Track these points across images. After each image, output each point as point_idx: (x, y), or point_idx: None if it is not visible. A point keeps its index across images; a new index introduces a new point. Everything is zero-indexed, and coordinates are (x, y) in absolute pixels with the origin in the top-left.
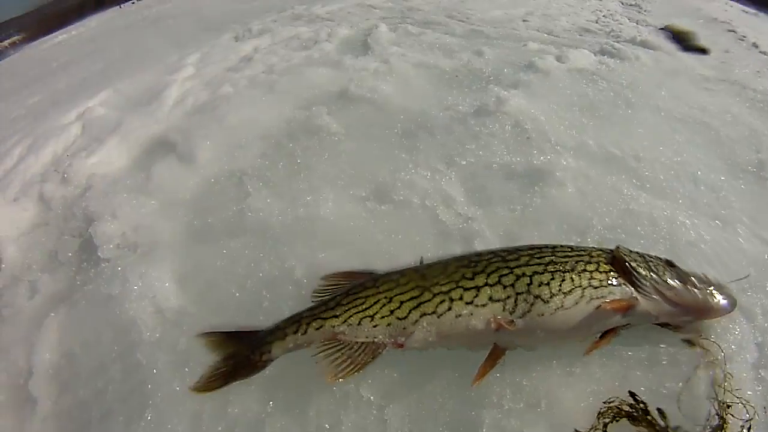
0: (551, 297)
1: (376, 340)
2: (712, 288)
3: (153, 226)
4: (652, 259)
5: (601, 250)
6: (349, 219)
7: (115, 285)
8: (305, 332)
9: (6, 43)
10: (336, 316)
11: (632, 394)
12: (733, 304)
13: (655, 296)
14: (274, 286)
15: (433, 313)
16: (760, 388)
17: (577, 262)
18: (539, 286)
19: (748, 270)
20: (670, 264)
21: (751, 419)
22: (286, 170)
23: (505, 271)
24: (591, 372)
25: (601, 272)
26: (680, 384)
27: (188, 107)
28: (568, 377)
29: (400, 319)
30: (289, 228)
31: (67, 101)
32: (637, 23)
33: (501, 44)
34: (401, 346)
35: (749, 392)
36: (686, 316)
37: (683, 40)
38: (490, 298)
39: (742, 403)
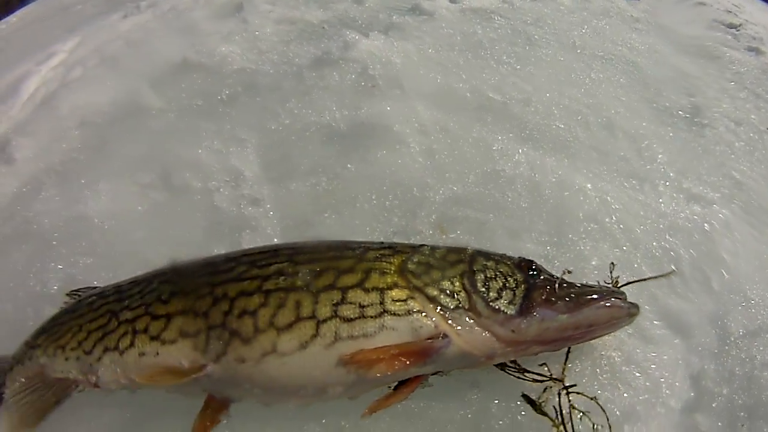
0: (255, 333)
1: (69, 377)
2: (592, 298)
3: None
4: (485, 264)
5: (391, 247)
6: (118, 216)
7: None
8: (23, 363)
9: None
10: (37, 346)
11: None
12: (626, 317)
13: (479, 330)
14: (35, 302)
15: (115, 348)
16: None
17: (329, 272)
18: (241, 316)
19: (673, 259)
20: (523, 266)
21: None
22: (86, 161)
23: (205, 290)
24: None
25: (371, 292)
26: None
27: (37, 100)
28: None
29: (86, 353)
30: (59, 230)
31: None
32: None
33: None
34: (97, 387)
35: None
36: (550, 346)
37: None
38: (181, 333)
39: None
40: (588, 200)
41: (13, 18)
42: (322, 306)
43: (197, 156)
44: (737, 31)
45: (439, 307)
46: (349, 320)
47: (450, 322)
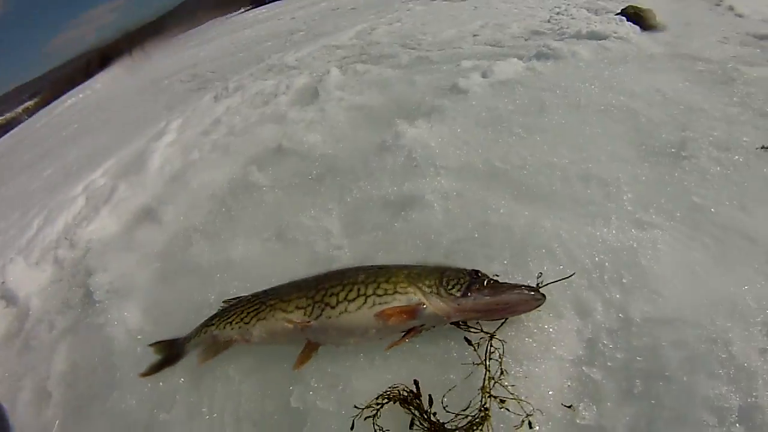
0: (336, 304)
1: (232, 338)
2: (513, 286)
3: (132, 274)
4: (452, 273)
5: (406, 267)
6: (252, 259)
7: (101, 317)
8: (200, 336)
9: (20, 109)
10: (213, 325)
11: (415, 382)
12: (533, 301)
13: (440, 302)
14: (199, 309)
15: (264, 319)
16: (569, 384)
17: (371, 277)
18: (329, 296)
19: (598, 266)
20: (473, 274)
21: (530, 415)
22: (221, 223)
23: (312, 288)
24: (389, 364)
25: (390, 284)
26: (463, 377)
27: (166, 175)
28: (368, 368)
29: (246, 324)
30: (213, 268)
31: (76, 173)
32: (596, 12)
33: (438, 68)
34: (248, 341)
35: (551, 391)
36: (485, 315)
37: (641, 20)
38: (296, 307)
39: (516, 399)
40: (546, 235)
41: (96, 83)
42: (367, 290)
43: (300, 221)
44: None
45: (421, 291)
46: (379, 296)
47: (427, 297)
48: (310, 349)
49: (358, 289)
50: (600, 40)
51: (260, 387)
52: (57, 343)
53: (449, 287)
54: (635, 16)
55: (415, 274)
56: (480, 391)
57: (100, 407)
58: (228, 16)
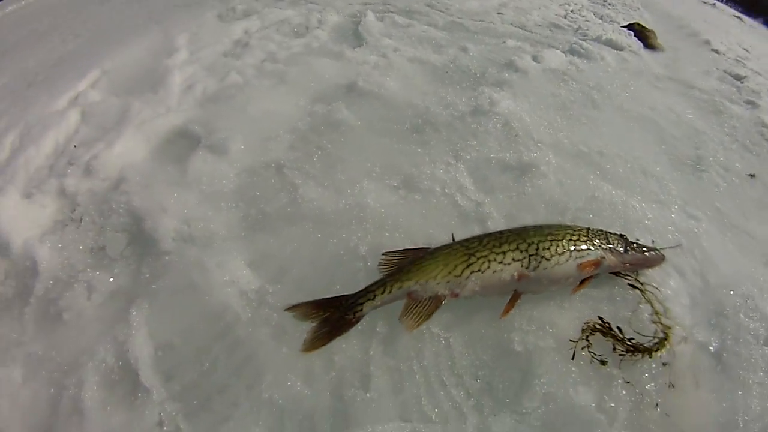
0: (551, 257)
1: (438, 293)
2: (648, 250)
3: (204, 218)
4: (611, 234)
5: (580, 227)
6: (390, 207)
7: (194, 275)
8: (390, 292)
9: None
10: (410, 279)
11: (600, 318)
12: (661, 260)
13: (612, 256)
14: (342, 263)
15: (479, 270)
16: (689, 317)
17: (565, 234)
18: (543, 250)
19: (678, 239)
20: (622, 236)
21: (686, 336)
22: (322, 162)
23: (521, 241)
24: (575, 306)
25: (581, 241)
26: (630, 313)
27: (198, 96)
28: (561, 310)
29: (456, 276)
30: (343, 215)
31: (48, 83)
32: (602, 19)
33: (482, 40)
34: (457, 296)
35: (684, 320)
36: (633, 268)
37: (645, 39)
38: (513, 259)
39: (680, 326)
40: (638, 213)
41: None
42: (570, 246)
43: (432, 172)
44: (741, 83)
45: (601, 248)
46: (578, 251)
47: (605, 252)
48: (515, 299)
49: (563, 245)
50: (618, 50)
51: (470, 340)
52: (119, 313)
53: (617, 245)
54: (641, 34)
55: (591, 234)
56: (651, 319)
57: (246, 397)
58: None
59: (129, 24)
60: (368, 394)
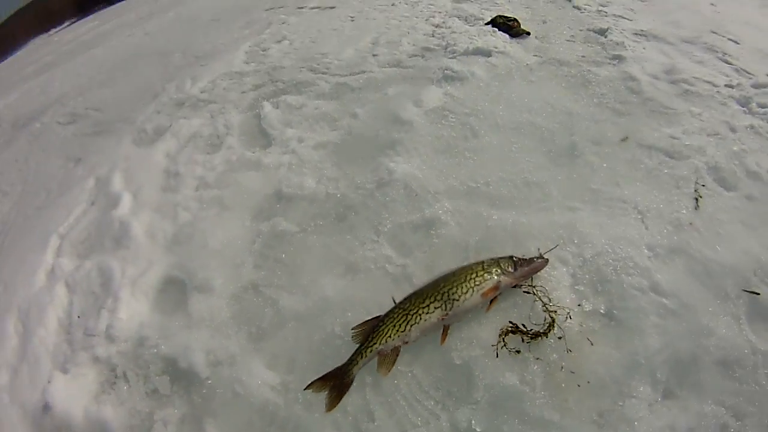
0: (460, 296)
1: (396, 346)
2: (532, 259)
3: (222, 346)
4: (502, 259)
5: (477, 264)
6: (343, 291)
7: (235, 387)
8: (366, 356)
9: None
10: (376, 343)
11: (510, 322)
12: (545, 263)
13: (506, 277)
14: (327, 344)
15: (416, 323)
16: (573, 296)
17: (466, 274)
18: (453, 293)
19: (560, 238)
20: (511, 257)
21: (569, 312)
22: (284, 272)
23: (436, 293)
24: (490, 320)
25: (479, 276)
26: (530, 311)
27: (162, 242)
28: (481, 325)
29: (403, 332)
30: (315, 309)
31: (15, 256)
32: (467, 21)
33: (366, 98)
34: (407, 343)
35: (568, 301)
36: (524, 279)
37: (509, 29)
38: (435, 308)
39: (562, 307)
40: (526, 227)
41: None
42: (472, 282)
43: (363, 254)
44: (605, 38)
45: (495, 274)
46: (479, 284)
47: (499, 278)
48: (446, 329)
49: (467, 285)
50: (486, 56)
51: (426, 366)
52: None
53: (507, 267)
54: (504, 26)
55: (486, 266)
56: (542, 310)
57: None
58: (51, 32)
59: (49, 169)
60: (375, 423)
